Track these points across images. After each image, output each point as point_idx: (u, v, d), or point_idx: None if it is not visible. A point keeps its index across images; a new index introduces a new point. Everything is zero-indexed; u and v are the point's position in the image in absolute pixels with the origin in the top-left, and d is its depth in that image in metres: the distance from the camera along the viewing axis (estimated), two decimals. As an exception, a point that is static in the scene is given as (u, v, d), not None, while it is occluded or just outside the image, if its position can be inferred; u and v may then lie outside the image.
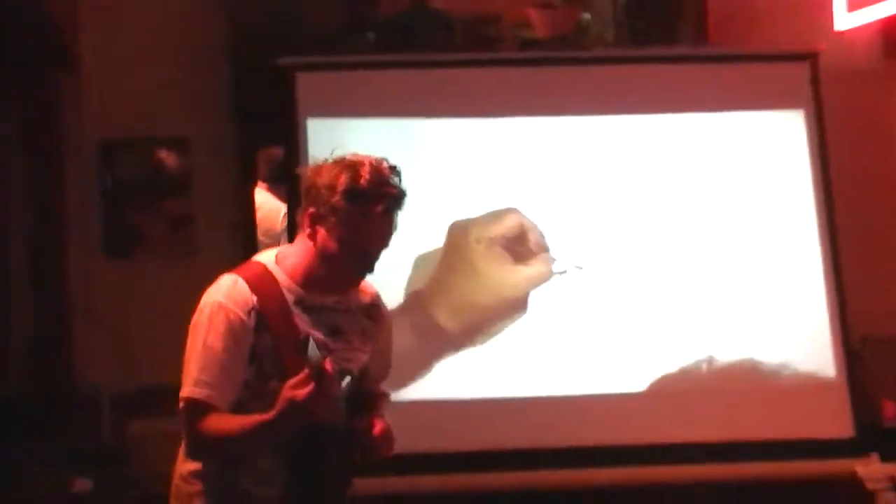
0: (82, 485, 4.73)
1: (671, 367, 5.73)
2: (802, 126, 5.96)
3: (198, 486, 3.53)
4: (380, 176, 3.42)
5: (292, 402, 3.26)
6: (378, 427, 3.53)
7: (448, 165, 5.80)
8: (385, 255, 3.48)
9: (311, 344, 3.39)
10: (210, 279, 3.57)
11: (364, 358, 3.63)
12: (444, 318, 5.74)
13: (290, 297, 3.50)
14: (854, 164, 6.06)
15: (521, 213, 5.79)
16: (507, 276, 5.77)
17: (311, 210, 3.43)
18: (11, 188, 5.88)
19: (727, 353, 5.75)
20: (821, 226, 5.86)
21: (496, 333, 5.71)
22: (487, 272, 5.76)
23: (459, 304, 5.75)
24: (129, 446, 5.37)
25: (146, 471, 5.23)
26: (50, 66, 5.98)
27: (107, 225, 6.03)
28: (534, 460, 5.50)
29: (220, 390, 3.41)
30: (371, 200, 3.40)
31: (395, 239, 3.47)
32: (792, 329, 5.77)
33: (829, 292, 5.82)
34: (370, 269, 3.50)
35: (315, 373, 3.26)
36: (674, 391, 5.70)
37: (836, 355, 5.76)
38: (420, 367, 5.64)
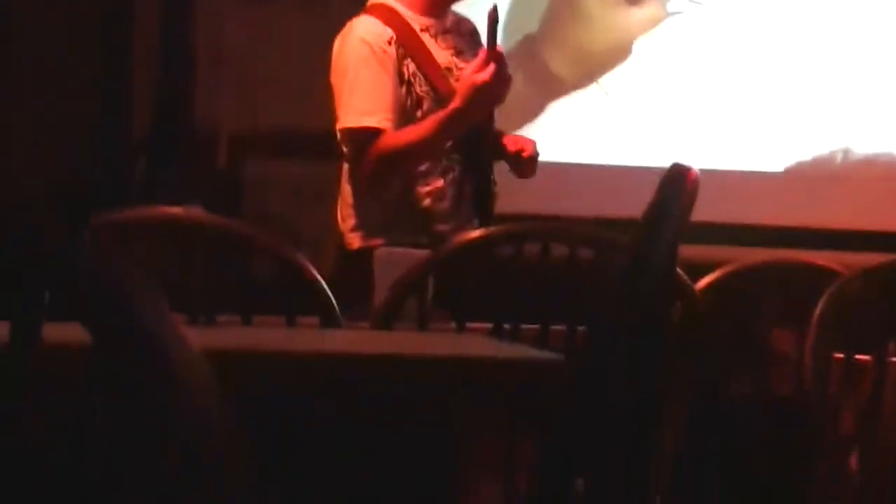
0: (193, 212, 4.75)
1: (804, 151, 5.61)
2: None
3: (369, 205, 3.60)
4: None
5: (476, 86, 3.38)
6: (528, 147, 3.63)
7: None
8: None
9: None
10: (340, 27, 3.65)
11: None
12: (558, 66, 5.62)
13: (416, 27, 3.59)
14: None
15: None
16: (619, 18, 5.61)
17: None
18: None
19: (864, 144, 5.61)
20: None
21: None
22: (600, 15, 5.60)
23: (573, 51, 5.63)
24: (245, 184, 5.40)
25: (258, 209, 5.28)
26: None
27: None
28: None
29: (387, 114, 3.48)
30: None
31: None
32: None
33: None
34: None
35: (493, 55, 3.39)
36: (805, 176, 5.59)
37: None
38: (533, 113, 5.55)
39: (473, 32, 3.75)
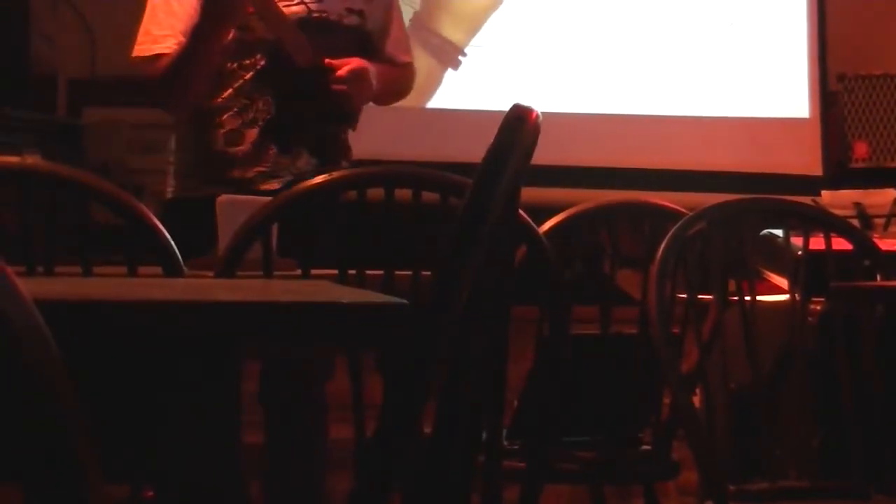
0: (31, 158, 4.66)
1: (647, 91, 5.67)
2: None
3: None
4: None
5: None
6: (343, 67, 3.45)
7: None
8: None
9: None
10: None
11: (343, 4, 3.57)
12: (451, 31, 5.62)
13: None
14: None
15: None
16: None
17: None
18: None
19: (704, 84, 5.68)
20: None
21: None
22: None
23: (460, 13, 5.63)
24: (83, 130, 5.31)
25: (98, 156, 5.19)
26: None
27: None
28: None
29: (178, 38, 3.44)
30: None
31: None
32: (770, 67, 5.69)
33: (810, 32, 5.72)
34: None
35: None
36: (647, 118, 5.65)
37: (812, 97, 5.71)
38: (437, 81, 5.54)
39: None
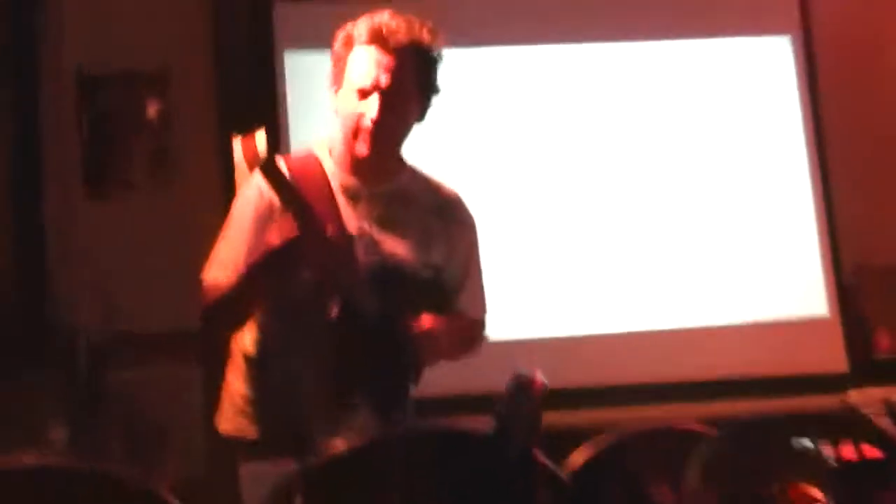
0: (58, 433, 4.66)
1: (660, 306, 5.66)
2: (790, 52, 5.85)
3: (239, 404, 3.49)
4: (372, 15, 3.41)
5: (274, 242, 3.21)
6: (417, 326, 3.39)
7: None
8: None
9: None
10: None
11: (421, 258, 3.50)
12: None
13: (335, 183, 3.41)
14: (844, 91, 5.95)
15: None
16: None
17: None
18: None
19: (718, 293, 5.67)
20: (811, 157, 5.78)
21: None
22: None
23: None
24: (107, 393, 5.31)
25: (125, 419, 5.18)
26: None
27: (85, 162, 5.93)
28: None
29: (233, 271, 3.35)
30: (355, 32, 3.40)
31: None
32: (783, 268, 5.70)
33: (820, 227, 5.75)
34: (374, 131, 3.38)
35: (295, 208, 3.18)
36: (661, 332, 5.63)
37: (829, 292, 5.70)
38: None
39: (442, 209, 3.58)
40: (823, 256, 5.70)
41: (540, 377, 2.74)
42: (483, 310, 3.73)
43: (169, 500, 2.56)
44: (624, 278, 5.64)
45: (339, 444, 2.57)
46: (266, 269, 3.25)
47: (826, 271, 5.70)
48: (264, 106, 5.60)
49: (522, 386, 2.66)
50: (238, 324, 3.45)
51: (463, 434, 2.44)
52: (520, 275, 5.59)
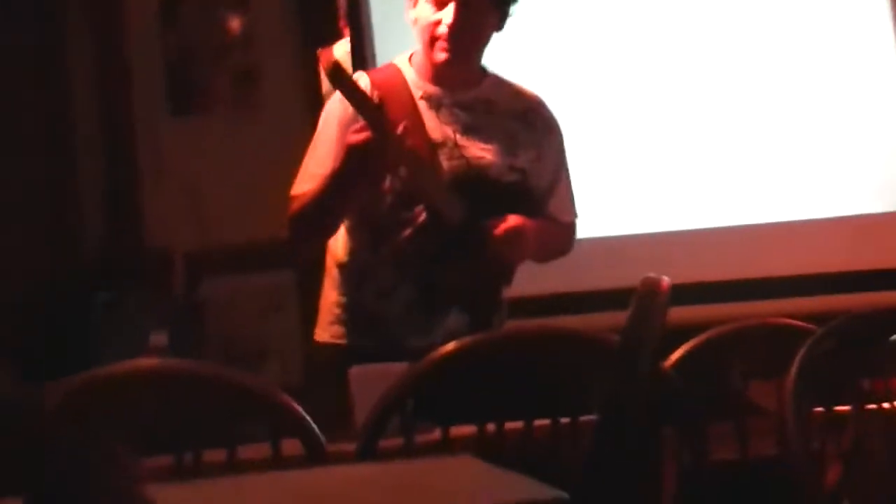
0: (158, 340, 4.74)
1: (754, 200, 5.64)
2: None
3: (335, 312, 3.54)
4: None
5: (349, 146, 3.24)
6: (501, 226, 3.43)
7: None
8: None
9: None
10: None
11: (506, 162, 3.54)
12: None
13: (417, 93, 3.47)
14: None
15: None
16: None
17: None
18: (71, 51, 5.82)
19: (812, 187, 5.65)
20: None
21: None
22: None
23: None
24: (204, 305, 5.39)
25: (220, 328, 5.26)
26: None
27: (170, 84, 5.97)
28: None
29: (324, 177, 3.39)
30: None
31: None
32: (878, 162, 5.66)
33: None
34: (450, 36, 3.42)
35: (369, 113, 3.21)
36: (754, 227, 5.61)
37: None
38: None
39: (526, 114, 3.62)
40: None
41: (667, 280, 2.76)
42: (573, 214, 3.76)
43: (293, 406, 2.61)
44: (714, 173, 5.62)
45: (449, 347, 2.61)
46: (347, 174, 3.30)
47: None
48: (349, 21, 5.60)
49: (652, 291, 2.67)
50: (323, 231, 3.51)
51: (589, 340, 2.46)
52: (608, 173, 5.59)
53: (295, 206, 3.46)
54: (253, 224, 5.07)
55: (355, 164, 3.26)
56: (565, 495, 1.40)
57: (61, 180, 5.59)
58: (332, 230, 3.51)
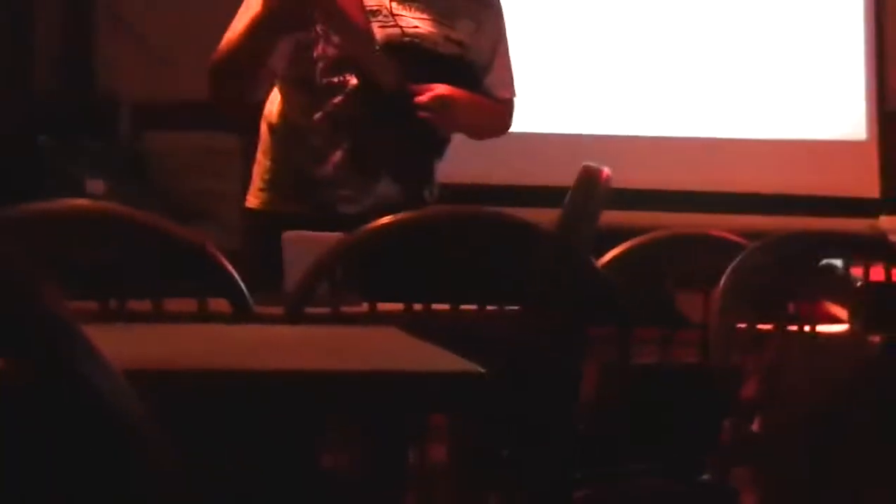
0: (95, 186, 4.71)
1: (701, 113, 5.66)
2: None
3: (265, 178, 3.52)
4: None
5: None
6: (427, 93, 3.41)
7: None
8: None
9: None
10: None
11: (442, 32, 3.51)
12: None
13: None
14: None
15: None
16: None
17: None
18: None
19: (760, 106, 5.66)
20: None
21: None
22: None
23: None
24: (147, 156, 5.35)
25: (162, 181, 5.23)
26: None
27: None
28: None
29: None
30: None
31: None
32: (827, 89, 5.68)
33: (868, 50, 5.70)
34: None
35: None
36: (703, 141, 5.64)
37: (870, 117, 5.68)
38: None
39: None
40: (869, 81, 5.68)
41: (607, 171, 2.75)
42: (511, 92, 3.74)
43: (223, 262, 2.61)
44: (666, 83, 5.64)
45: (382, 220, 2.61)
46: (274, 14, 3.26)
47: (870, 96, 5.68)
48: None
49: (593, 178, 2.67)
50: (239, 75, 3.46)
51: (523, 225, 2.47)
52: (556, 70, 5.58)
53: (217, 51, 3.44)
54: (205, 81, 5.02)
55: (280, 9, 3.23)
56: (482, 370, 1.41)
57: (17, 23, 5.51)
58: (250, 76, 3.48)
